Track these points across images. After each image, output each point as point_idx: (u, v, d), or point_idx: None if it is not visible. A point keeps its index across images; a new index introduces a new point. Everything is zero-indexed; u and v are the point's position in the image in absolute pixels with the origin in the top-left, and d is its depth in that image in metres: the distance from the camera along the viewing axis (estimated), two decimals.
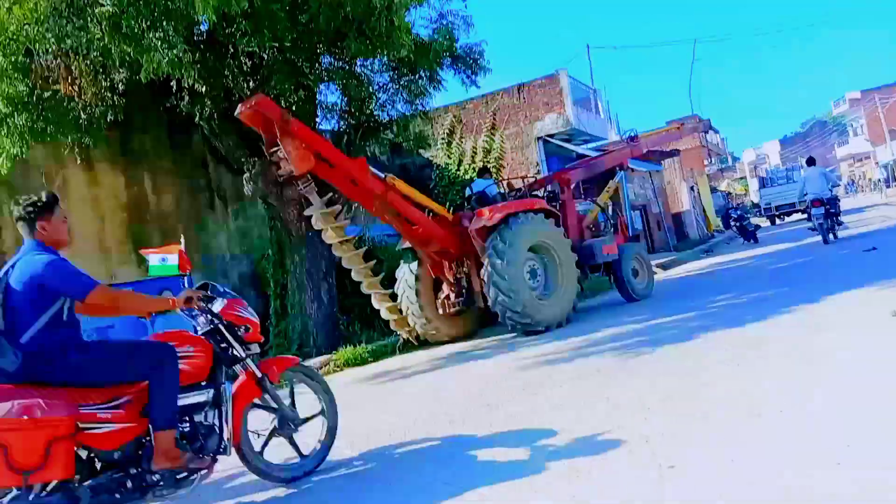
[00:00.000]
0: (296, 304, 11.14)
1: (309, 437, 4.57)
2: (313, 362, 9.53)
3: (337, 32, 9.13)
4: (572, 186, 11.76)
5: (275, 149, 8.42)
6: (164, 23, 7.65)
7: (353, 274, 9.53)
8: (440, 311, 10.22)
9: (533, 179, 12.74)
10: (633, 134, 13.48)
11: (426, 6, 10.12)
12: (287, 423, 4.39)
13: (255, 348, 4.31)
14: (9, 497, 3.13)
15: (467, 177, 17.84)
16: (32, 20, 7.63)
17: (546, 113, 19.22)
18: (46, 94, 9.61)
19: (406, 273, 10.35)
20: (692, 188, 31.90)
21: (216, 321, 4.05)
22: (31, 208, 3.63)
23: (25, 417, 3.11)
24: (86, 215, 12.10)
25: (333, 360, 9.70)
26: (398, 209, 9.44)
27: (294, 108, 9.92)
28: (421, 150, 16.94)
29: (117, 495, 3.47)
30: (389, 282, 10.50)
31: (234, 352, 4.13)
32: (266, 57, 9.42)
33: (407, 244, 10.24)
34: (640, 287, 11.42)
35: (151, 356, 3.64)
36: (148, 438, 3.58)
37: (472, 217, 9.79)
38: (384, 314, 10.02)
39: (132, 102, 10.74)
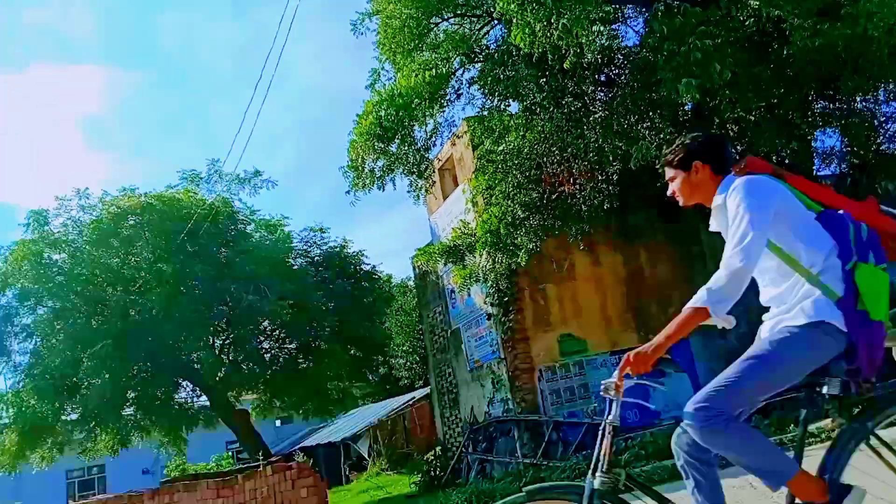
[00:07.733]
0: None
1: None
2: None
3: (828, 75, 8.37)
4: None
5: None
6: (651, 113, 8.05)
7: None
8: None
9: None
10: None
11: None
12: None
13: None
14: None
15: None
16: (541, 139, 8.84)
17: None
18: (553, 196, 10.96)
19: None
20: None
21: None
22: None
23: None
24: (590, 292, 13.25)
25: None
26: None
27: (787, 161, 9.33)
28: None
29: None
30: None
31: None
32: (753, 118, 9.12)
33: None
34: None
35: None
36: None
37: None
38: None
39: (625, 187, 11.46)
